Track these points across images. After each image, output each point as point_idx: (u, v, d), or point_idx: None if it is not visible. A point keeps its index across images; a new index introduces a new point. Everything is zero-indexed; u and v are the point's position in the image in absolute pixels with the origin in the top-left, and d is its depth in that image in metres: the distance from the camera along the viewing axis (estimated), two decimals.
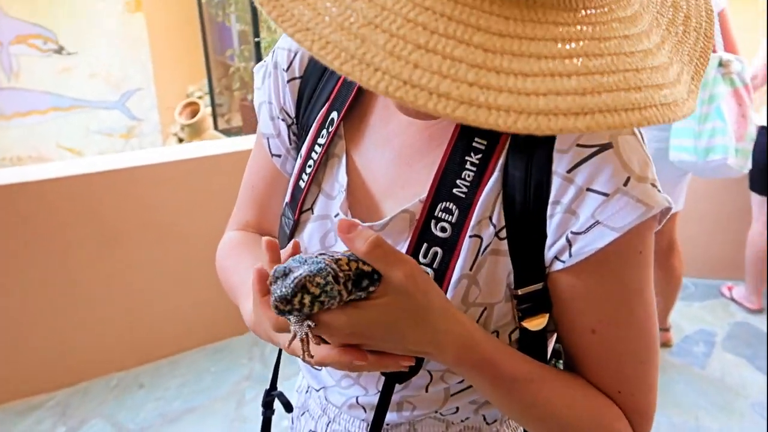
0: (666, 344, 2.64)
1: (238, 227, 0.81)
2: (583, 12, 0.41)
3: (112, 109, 5.26)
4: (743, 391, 2.35)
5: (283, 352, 0.78)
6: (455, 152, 0.58)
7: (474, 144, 0.57)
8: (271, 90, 0.72)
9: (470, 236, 0.57)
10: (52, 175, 2.29)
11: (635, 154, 0.53)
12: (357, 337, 0.49)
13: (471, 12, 0.38)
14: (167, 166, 2.50)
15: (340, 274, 0.46)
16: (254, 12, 3.86)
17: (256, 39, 3.88)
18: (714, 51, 2.19)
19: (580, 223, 0.53)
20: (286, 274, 0.46)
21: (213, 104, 5.21)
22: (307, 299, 0.45)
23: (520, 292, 0.57)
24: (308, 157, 0.67)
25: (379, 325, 0.48)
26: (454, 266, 0.57)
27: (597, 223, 0.53)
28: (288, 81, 0.70)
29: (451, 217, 0.57)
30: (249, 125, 4.67)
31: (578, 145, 0.53)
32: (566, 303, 0.58)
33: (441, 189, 0.58)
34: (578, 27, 0.40)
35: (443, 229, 0.58)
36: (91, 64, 5.06)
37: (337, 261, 0.47)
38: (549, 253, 0.56)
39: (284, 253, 0.52)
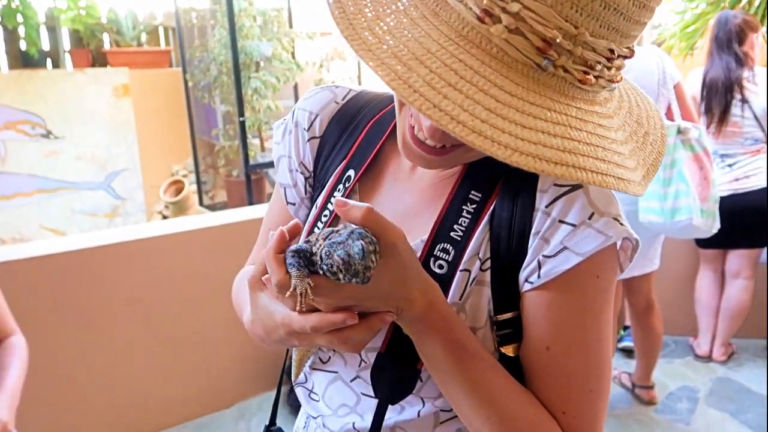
0: (651, 402, 2.66)
1: (253, 263, 0.87)
2: (573, 100, 0.54)
3: (97, 189, 5.32)
4: None
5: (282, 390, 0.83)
6: (454, 202, 0.68)
7: (470, 196, 0.68)
8: (291, 145, 0.82)
9: (461, 270, 0.65)
10: (32, 254, 2.27)
11: (600, 193, 0.63)
12: (351, 299, 0.55)
13: (491, 72, 0.50)
14: (152, 242, 2.51)
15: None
16: (239, 94, 4.04)
17: (241, 119, 4.04)
18: (672, 120, 2.36)
19: (551, 248, 0.62)
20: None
21: (198, 181, 5.31)
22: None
23: (498, 318, 0.65)
24: (324, 207, 0.76)
25: (371, 285, 0.54)
26: (448, 297, 0.65)
27: (564, 248, 0.62)
28: (308, 140, 0.81)
29: (447, 256, 0.66)
30: (234, 200, 4.76)
31: (555, 185, 0.64)
32: (529, 320, 0.65)
33: (440, 232, 0.67)
34: (567, 106, 0.53)
35: (441, 266, 0.66)
36: (77, 147, 5.16)
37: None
38: (522, 276, 0.64)
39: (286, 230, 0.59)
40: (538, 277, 0.63)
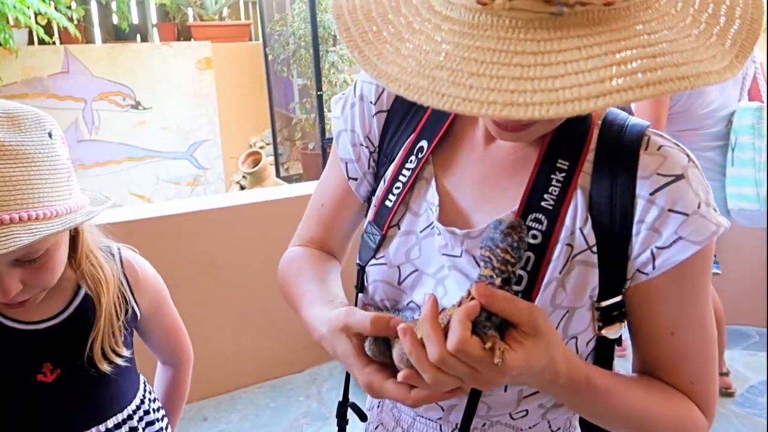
0: (727, 389, 2.56)
1: (301, 243, 0.89)
2: (607, 24, 0.49)
3: (180, 159, 5.59)
4: None
5: None
6: (542, 171, 0.68)
7: (558, 165, 0.67)
8: (355, 119, 0.81)
9: (566, 244, 0.65)
10: (122, 218, 2.44)
11: (700, 184, 0.64)
12: (504, 377, 0.56)
13: (510, 42, 0.49)
14: (231, 210, 2.63)
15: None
16: (317, 68, 4.11)
17: (318, 93, 4.11)
18: (762, 102, 2.21)
19: (664, 239, 0.63)
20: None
21: (276, 153, 5.47)
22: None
23: (602, 304, 0.66)
24: (395, 179, 0.76)
25: (525, 365, 0.56)
26: (546, 270, 0.65)
27: (680, 238, 0.62)
28: (375, 113, 0.80)
29: (540, 226, 0.66)
30: (309, 172, 4.86)
31: (658, 174, 0.63)
32: (648, 310, 0.67)
33: (531, 201, 0.67)
34: (598, 32, 0.48)
35: (534, 236, 0.66)
36: (163, 117, 5.42)
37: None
38: (633, 265, 0.66)
39: (426, 306, 0.58)
40: (653, 268, 0.64)
